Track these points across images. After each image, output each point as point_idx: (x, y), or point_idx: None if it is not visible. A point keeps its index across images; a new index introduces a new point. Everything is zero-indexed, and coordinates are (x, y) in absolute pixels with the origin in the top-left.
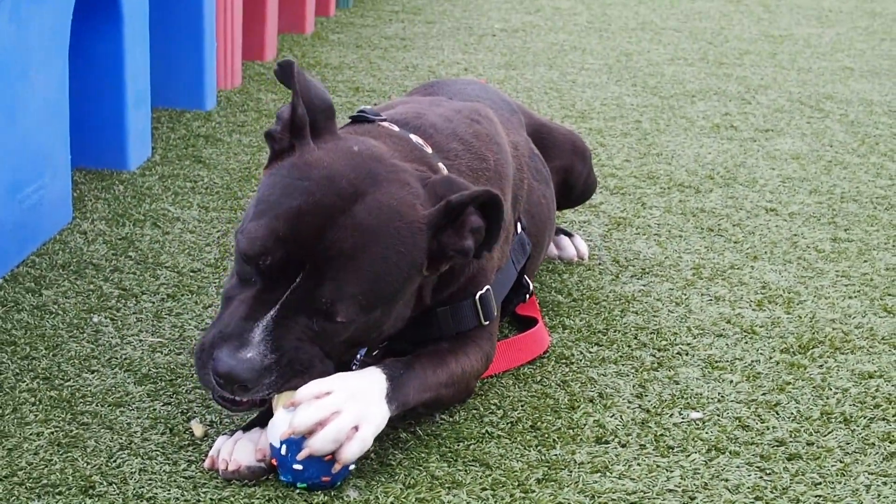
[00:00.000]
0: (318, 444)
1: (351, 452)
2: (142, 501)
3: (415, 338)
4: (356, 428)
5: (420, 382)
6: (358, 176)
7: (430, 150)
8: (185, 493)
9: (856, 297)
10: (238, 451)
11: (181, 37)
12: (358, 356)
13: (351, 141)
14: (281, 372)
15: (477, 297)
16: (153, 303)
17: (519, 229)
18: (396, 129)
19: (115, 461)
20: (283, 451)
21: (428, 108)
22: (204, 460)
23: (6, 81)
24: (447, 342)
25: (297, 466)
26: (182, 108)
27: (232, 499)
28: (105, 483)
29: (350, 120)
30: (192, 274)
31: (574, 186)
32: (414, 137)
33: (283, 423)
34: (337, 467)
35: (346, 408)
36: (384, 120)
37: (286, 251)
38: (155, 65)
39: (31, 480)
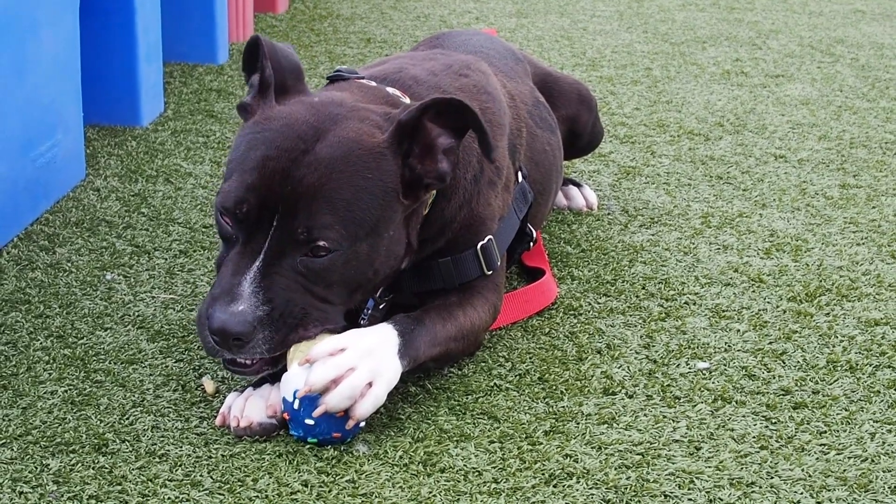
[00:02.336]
0: (333, 401)
1: (365, 408)
2: (154, 458)
3: (419, 289)
4: (370, 384)
5: (430, 337)
6: (318, 119)
7: (406, 100)
8: (197, 449)
9: (863, 243)
10: (249, 407)
11: None
12: (366, 309)
13: (314, 95)
14: (275, 326)
15: (479, 247)
16: (165, 259)
17: (520, 178)
18: (373, 84)
19: (127, 418)
20: (295, 406)
21: (414, 63)
22: (215, 417)
23: (16, 39)
24: (455, 296)
25: (309, 421)
26: (194, 63)
27: (243, 454)
28: (118, 440)
29: (328, 81)
30: (203, 230)
31: (580, 135)
32: (390, 89)
33: (296, 377)
34: (350, 423)
35: (360, 364)
36: (361, 77)
37: (258, 196)
38: (166, 19)
39: (45, 439)
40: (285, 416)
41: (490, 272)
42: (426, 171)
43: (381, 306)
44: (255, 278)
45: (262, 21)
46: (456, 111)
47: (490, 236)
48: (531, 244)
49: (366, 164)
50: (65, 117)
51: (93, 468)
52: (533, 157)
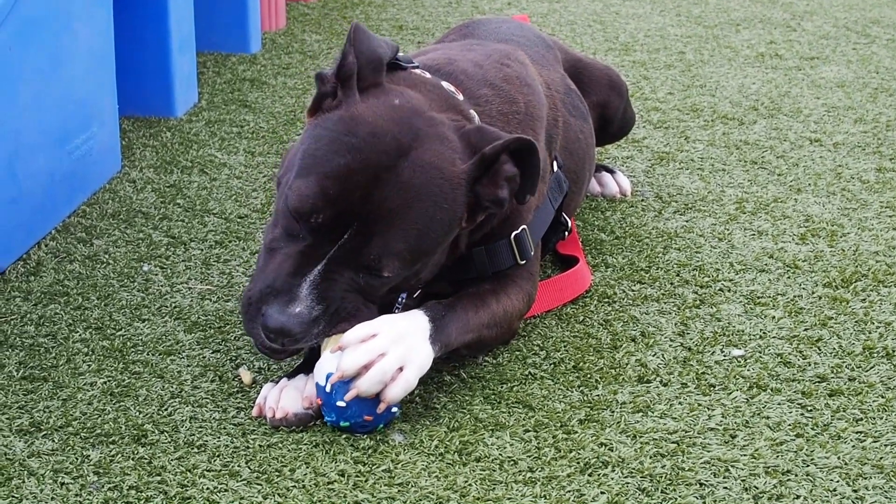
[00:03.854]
0: (364, 385)
1: (395, 392)
2: (192, 449)
3: (453, 278)
4: (401, 369)
5: (462, 323)
6: (401, 132)
7: (461, 97)
8: (235, 439)
9: None
10: (285, 398)
11: None
12: (399, 299)
13: (392, 94)
14: (328, 320)
15: (512, 236)
16: (201, 250)
17: (555, 168)
18: (428, 76)
19: (166, 409)
20: (328, 390)
21: (459, 54)
22: (252, 407)
23: (51, 33)
24: (489, 283)
25: (341, 404)
26: (227, 52)
27: (280, 445)
28: (157, 431)
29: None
30: (239, 220)
31: (611, 121)
32: (445, 84)
33: (328, 363)
34: (381, 407)
35: (390, 349)
36: (416, 67)
37: (335, 210)
38: (199, 9)
39: (85, 430)
40: (318, 401)
41: (524, 262)
42: (487, 195)
43: (415, 295)
44: (314, 281)
45: (294, 9)
46: (527, 151)
47: (524, 226)
48: (566, 233)
49: (444, 194)
50: (100, 109)
51: (132, 459)
52: (567, 146)
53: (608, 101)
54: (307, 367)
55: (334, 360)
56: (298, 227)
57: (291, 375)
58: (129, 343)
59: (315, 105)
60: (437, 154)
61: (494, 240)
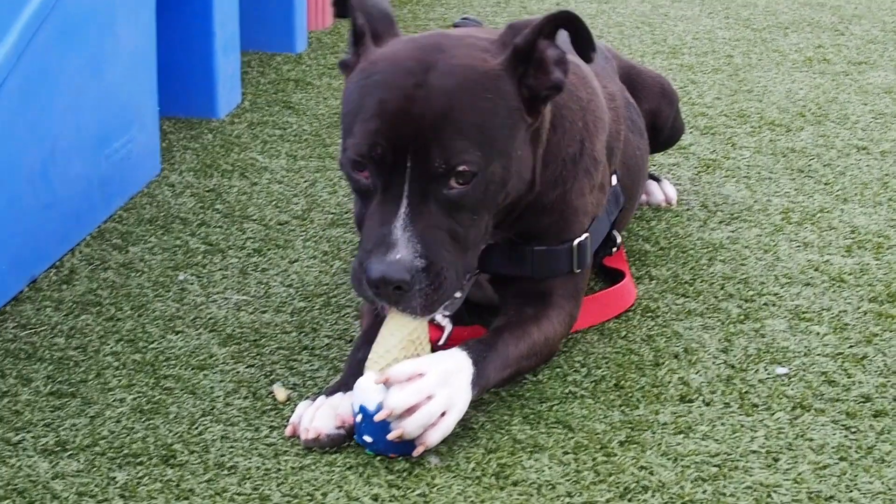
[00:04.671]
0: (409, 427)
1: (435, 437)
2: (223, 471)
3: (506, 271)
4: (443, 413)
5: (501, 361)
6: (424, 52)
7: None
8: (266, 461)
9: None
10: (318, 417)
11: None
12: (466, 278)
13: (413, 37)
14: (430, 279)
15: (576, 243)
16: (239, 258)
17: (614, 181)
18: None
19: (196, 428)
20: (370, 420)
21: None
22: (286, 426)
23: (94, 36)
24: (531, 307)
25: (369, 438)
26: (272, 52)
27: (313, 467)
28: (186, 451)
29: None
30: (278, 227)
31: (661, 130)
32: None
33: (370, 391)
34: (418, 450)
35: (438, 393)
36: None
37: (387, 139)
38: (244, 7)
39: (112, 450)
40: (352, 420)
41: (578, 270)
42: (541, 85)
43: (468, 279)
44: (404, 224)
45: None
46: (566, 23)
47: (587, 234)
48: (614, 250)
49: (484, 86)
50: (141, 113)
51: (160, 481)
52: (625, 162)
53: (659, 109)
54: (346, 385)
55: (376, 391)
56: (367, 181)
57: (330, 393)
58: (161, 357)
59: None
60: (466, 56)
61: (554, 241)
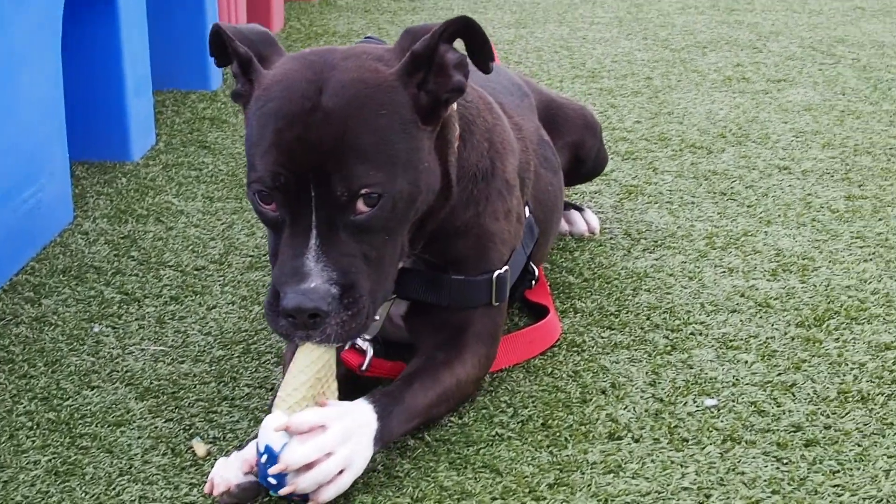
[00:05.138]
0: (303, 484)
1: (328, 495)
2: None
3: (422, 298)
4: (341, 471)
5: (407, 414)
6: (313, 70)
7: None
8: None
9: (871, 259)
10: (227, 467)
11: (182, 13)
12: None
13: (302, 53)
14: (346, 306)
15: (496, 276)
16: (155, 307)
17: (527, 213)
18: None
19: (114, 489)
20: (263, 460)
21: None
22: (205, 483)
23: None
24: (442, 352)
25: (272, 481)
26: (187, 90)
27: None
28: None
29: None
30: (195, 272)
31: (584, 161)
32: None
33: (273, 435)
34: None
35: (338, 450)
36: None
37: (287, 170)
38: (156, 46)
39: None
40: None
41: (497, 303)
42: (441, 88)
43: (390, 297)
44: (316, 254)
45: None
46: (464, 30)
47: (507, 267)
48: (533, 283)
49: (378, 101)
50: (50, 161)
51: None
52: (537, 196)
53: (582, 141)
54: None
55: (279, 436)
56: (275, 212)
57: (243, 447)
58: (76, 414)
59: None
60: (355, 70)
61: (472, 271)
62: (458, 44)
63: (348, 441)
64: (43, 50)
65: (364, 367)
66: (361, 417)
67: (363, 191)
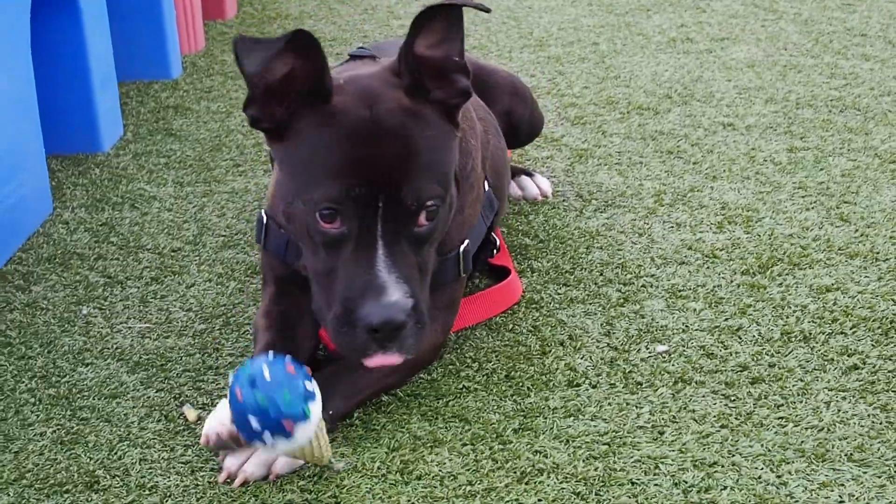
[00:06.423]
0: (250, 469)
1: (279, 468)
2: (144, 491)
3: None
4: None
5: (352, 388)
6: (360, 98)
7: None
8: (184, 478)
9: (813, 208)
10: (215, 420)
11: (139, 5)
12: None
13: (340, 83)
14: (416, 318)
15: (461, 250)
16: (138, 288)
17: (486, 187)
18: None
19: (115, 453)
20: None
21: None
22: (198, 443)
23: None
24: None
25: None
26: (149, 80)
27: (228, 480)
28: (108, 476)
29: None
30: (172, 254)
31: (518, 127)
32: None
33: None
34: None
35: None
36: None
37: (359, 186)
38: (117, 39)
39: (39, 482)
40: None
41: (465, 275)
42: (449, 95)
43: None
44: (387, 266)
45: (212, 29)
46: (434, 18)
47: (467, 241)
48: (494, 251)
49: (422, 118)
50: (27, 156)
51: None
52: (492, 166)
53: (513, 108)
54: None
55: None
56: (337, 229)
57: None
58: (74, 389)
59: (272, 132)
60: (392, 96)
61: (444, 252)
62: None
63: None
64: (13, 51)
65: None
66: None
67: (428, 203)
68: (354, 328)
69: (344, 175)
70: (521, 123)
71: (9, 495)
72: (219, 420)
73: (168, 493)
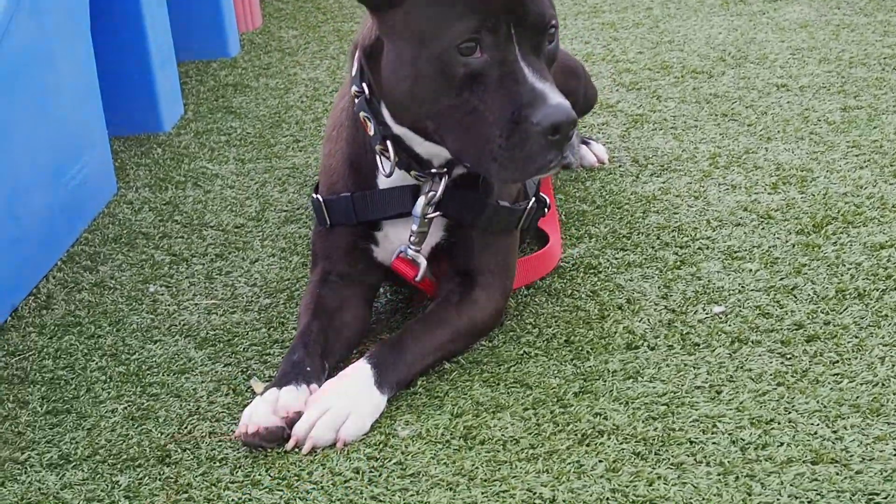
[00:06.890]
0: (315, 439)
1: (347, 434)
2: (215, 463)
3: (463, 219)
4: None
5: (413, 356)
6: None
7: None
8: (253, 449)
9: (866, 166)
10: (257, 411)
11: None
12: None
13: None
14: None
15: (530, 205)
16: (203, 265)
17: None
18: None
19: (186, 427)
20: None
21: None
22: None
23: (35, 75)
24: (455, 294)
25: None
26: (208, 59)
27: (296, 450)
28: (179, 450)
29: None
30: (236, 230)
31: (574, 104)
32: None
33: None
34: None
35: (333, 404)
36: None
37: (491, 11)
38: (175, 19)
39: (112, 457)
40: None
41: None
42: None
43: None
44: (540, 80)
45: (269, 6)
46: None
47: (534, 198)
48: (546, 210)
49: None
50: (91, 138)
51: (159, 479)
52: None
53: (566, 85)
54: (278, 383)
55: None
56: (479, 58)
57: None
58: (143, 366)
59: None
60: None
61: (509, 201)
62: None
63: (343, 396)
64: (75, 36)
65: (419, 278)
66: (354, 372)
67: (552, 22)
68: (527, 139)
69: (476, 5)
70: (576, 101)
71: (83, 471)
72: (264, 415)
73: (238, 465)
